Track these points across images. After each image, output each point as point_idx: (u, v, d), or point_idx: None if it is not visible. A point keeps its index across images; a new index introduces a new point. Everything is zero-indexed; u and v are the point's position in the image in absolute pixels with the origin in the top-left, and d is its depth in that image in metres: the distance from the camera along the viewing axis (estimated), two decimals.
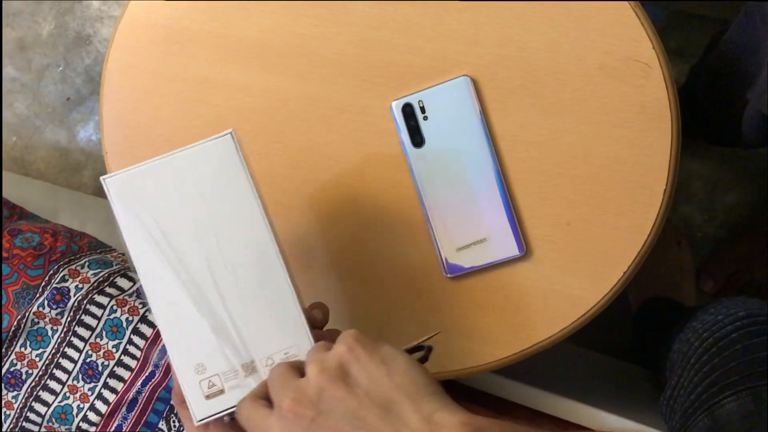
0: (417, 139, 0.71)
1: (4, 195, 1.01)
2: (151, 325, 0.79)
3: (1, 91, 1.54)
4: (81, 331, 0.80)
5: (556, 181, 0.69)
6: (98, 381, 0.80)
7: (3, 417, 0.82)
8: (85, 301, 0.80)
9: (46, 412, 0.81)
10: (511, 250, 0.70)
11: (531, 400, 0.83)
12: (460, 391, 0.85)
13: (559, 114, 0.68)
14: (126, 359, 0.80)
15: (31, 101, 1.53)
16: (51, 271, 0.83)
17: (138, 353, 0.79)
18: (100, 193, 1.46)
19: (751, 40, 0.84)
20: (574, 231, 0.69)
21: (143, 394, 0.78)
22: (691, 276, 1.20)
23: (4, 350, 0.82)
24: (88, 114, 1.51)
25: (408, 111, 0.71)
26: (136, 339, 0.79)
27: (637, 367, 1.16)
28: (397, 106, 0.71)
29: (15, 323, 0.81)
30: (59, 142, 1.52)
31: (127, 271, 0.85)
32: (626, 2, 0.67)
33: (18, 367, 0.82)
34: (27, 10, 1.53)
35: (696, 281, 1.23)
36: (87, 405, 0.80)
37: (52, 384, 0.81)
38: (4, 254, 0.83)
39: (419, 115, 0.70)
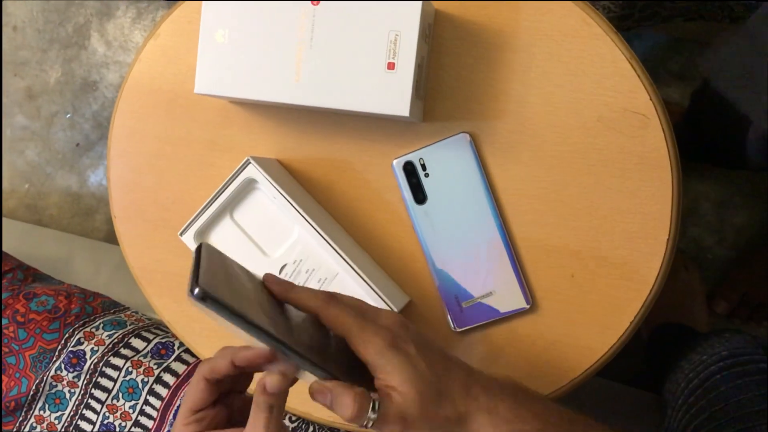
0: (419, 196, 0.71)
1: (20, 246, 1.03)
2: (166, 385, 0.81)
3: (0, 140, 1.57)
4: (98, 393, 0.82)
5: (559, 234, 0.69)
6: None
7: None
8: (101, 364, 0.82)
9: None
10: (518, 303, 0.70)
11: None
12: None
13: (558, 167, 0.69)
14: (143, 419, 0.81)
15: (42, 148, 1.56)
16: (66, 335, 0.84)
17: (154, 413, 0.81)
18: (111, 238, 1.48)
19: (747, 64, 0.84)
20: (579, 282, 0.69)
21: None
22: (701, 299, 1.20)
23: (23, 414, 0.84)
24: (98, 159, 1.53)
25: (409, 169, 0.71)
26: (152, 399, 0.81)
27: (648, 394, 1.16)
28: (398, 164, 0.72)
29: (33, 387, 0.83)
30: (70, 187, 1.54)
31: (140, 330, 0.86)
32: (620, 52, 0.67)
33: (38, 430, 0.83)
34: (34, 59, 1.56)
35: (708, 303, 1.22)
36: None
37: None
38: (20, 318, 0.85)
39: (420, 173, 0.71)
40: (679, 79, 1.24)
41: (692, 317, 1.16)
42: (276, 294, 0.51)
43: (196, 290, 0.43)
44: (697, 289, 1.19)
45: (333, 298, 0.50)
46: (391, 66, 0.64)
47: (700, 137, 1.08)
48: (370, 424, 0.46)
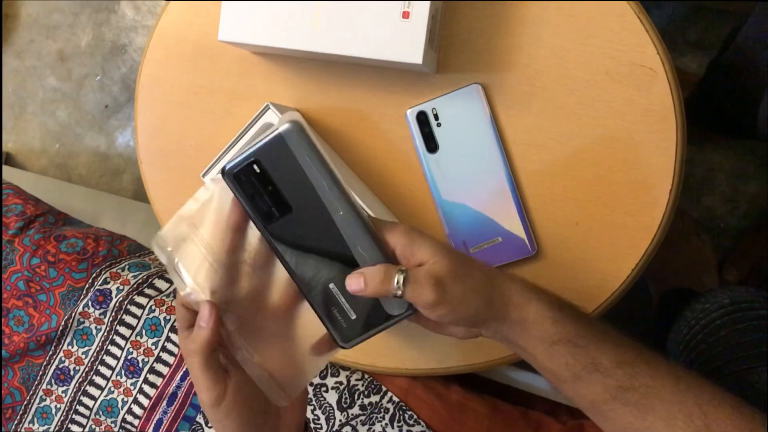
0: (431, 145, 0.74)
1: (51, 201, 1.07)
2: None
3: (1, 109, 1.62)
4: (122, 330, 0.86)
5: (565, 183, 0.72)
6: (139, 376, 0.85)
7: (54, 410, 0.89)
8: (126, 302, 0.86)
9: (94, 405, 0.87)
10: (524, 250, 0.73)
11: (550, 393, 0.86)
12: (480, 384, 0.88)
13: (566, 118, 0.71)
14: (164, 356, 0.85)
15: (72, 109, 1.61)
16: (94, 274, 0.89)
17: (175, 350, 0.85)
18: (138, 196, 1.53)
19: (766, 35, 0.85)
20: (583, 230, 0.72)
21: (182, 389, 0.84)
22: (712, 266, 1.21)
23: (53, 348, 0.88)
24: (126, 120, 1.58)
25: (422, 118, 0.74)
26: (173, 336, 0.85)
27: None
28: (412, 114, 0.74)
29: (62, 323, 0.88)
30: (99, 147, 1.59)
31: (164, 273, 0.90)
32: (629, 6, 0.69)
33: (66, 364, 0.88)
34: (66, 23, 1.60)
35: (719, 271, 1.24)
36: (131, 399, 0.85)
37: (98, 379, 0.87)
38: (51, 258, 0.90)
39: (433, 122, 0.74)
40: (697, 48, 1.24)
41: (703, 284, 1.17)
42: None
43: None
44: (709, 257, 1.20)
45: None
46: (405, 15, 0.66)
47: (715, 106, 1.09)
48: (399, 292, 0.48)
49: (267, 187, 0.49)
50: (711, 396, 0.50)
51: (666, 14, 1.26)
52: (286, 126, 0.48)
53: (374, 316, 0.51)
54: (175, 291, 0.88)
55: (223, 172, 0.49)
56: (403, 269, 0.49)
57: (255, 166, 0.49)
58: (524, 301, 0.51)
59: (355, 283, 0.49)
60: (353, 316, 0.51)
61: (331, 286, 0.51)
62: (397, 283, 0.48)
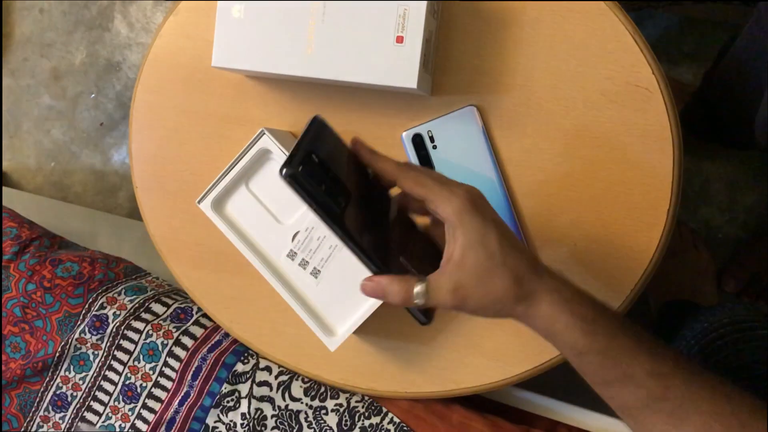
0: (427, 167, 0.74)
1: (47, 222, 1.07)
2: (185, 348, 0.84)
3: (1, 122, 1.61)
4: (120, 355, 0.86)
5: (562, 204, 0.71)
6: (137, 402, 0.85)
7: None
8: (122, 327, 0.86)
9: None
10: None
11: (549, 411, 0.86)
12: (480, 403, 0.88)
13: (562, 139, 0.71)
14: (162, 381, 0.85)
15: (67, 127, 1.61)
16: (90, 299, 0.88)
17: (173, 374, 0.84)
18: (134, 214, 1.52)
19: (761, 45, 0.85)
20: (581, 252, 0.71)
21: (180, 414, 0.83)
22: (710, 278, 1.21)
23: (50, 375, 0.88)
24: (121, 138, 1.57)
25: (418, 141, 0.74)
26: (171, 361, 0.84)
27: None
28: (407, 137, 0.74)
29: (59, 349, 0.87)
30: (95, 165, 1.59)
31: (160, 296, 0.90)
32: (623, 26, 0.69)
33: (64, 390, 0.88)
34: (59, 41, 1.60)
35: (718, 282, 1.23)
36: (128, 425, 0.85)
37: (96, 405, 0.87)
38: (47, 284, 0.89)
39: (429, 145, 0.74)
40: (691, 59, 1.24)
41: (701, 295, 1.17)
42: (362, 158, 0.52)
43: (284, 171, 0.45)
44: (707, 268, 1.20)
45: (410, 164, 0.52)
46: (399, 40, 0.66)
47: (711, 117, 1.09)
48: (421, 301, 0.49)
49: (328, 177, 0.48)
50: (750, 407, 0.49)
51: (661, 25, 1.26)
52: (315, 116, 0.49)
53: None
54: (170, 315, 0.88)
55: (283, 173, 0.46)
56: (423, 280, 0.49)
57: (313, 157, 0.47)
58: (553, 312, 0.50)
59: (371, 291, 0.49)
60: None
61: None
62: (417, 294, 0.49)
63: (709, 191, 1.26)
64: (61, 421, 0.88)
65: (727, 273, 1.24)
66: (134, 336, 0.86)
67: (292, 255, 0.73)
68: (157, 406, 0.85)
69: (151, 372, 0.85)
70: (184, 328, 0.86)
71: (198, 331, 0.86)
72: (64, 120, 1.61)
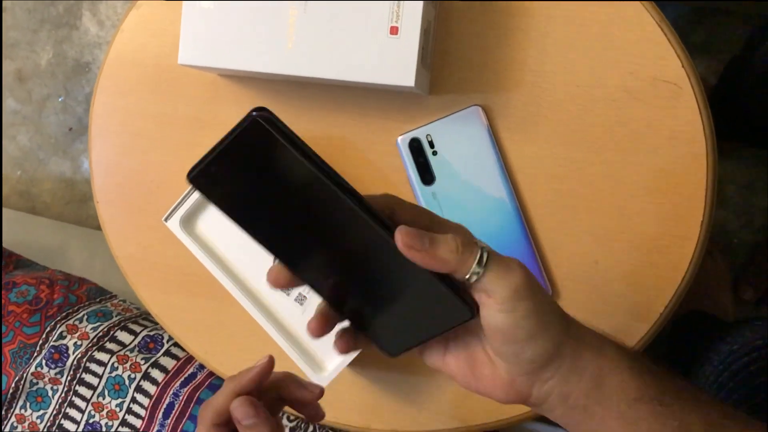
0: (427, 176, 0.65)
1: (13, 235, 0.98)
2: (155, 382, 0.75)
3: (1, 131, 1.51)
4: (82, 390, 0.76)
5: (581, 216, 0.63)
6: None
7: None
8: (84, 359, 0.76)
9: None
10: None
11: None
12: None
13: (580, 143, 0.62)
14: (130, 418, 0.76)
15: (34, 133, 1.50)
16: (48, 328, 0.79)
17: (143, 412, 0.75)
18: None
19: None
20: (604, 269, 0.63)
21: None
22: (727, 286, 1.13)
23: (3, 412, 0.78)
24: None
25: (415, 146, 0.65)
26: (139, 397, 0.75)
27: None
28: (403, 142, 0.65)
29: (13, 385, 0.78)
30: (64, 173, 1.49)
31: (127, 322, 0.81)
32: (647, 13, 0.60)
33: (19, 430, 0.78)
34: (24, 40, 1.50)
35: (734, 291, 1.16)
36: None
37: None
38: None
39: (428, 150, 0.65)
40: (703, 51, 1.16)
41: (718, 305, 1.10)
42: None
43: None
44: (723, 276, 1.13)
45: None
46: (394, 30, 0.57)
47: (732, 113, 1.02)
48: (473, 278, 0.38)
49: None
50: None
51: (669, 16, 1.17)
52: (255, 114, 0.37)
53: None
54: (138, 345, 0.79)
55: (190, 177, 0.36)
56: (483, 245, 0.38)
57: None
58: (599, 342, 0.41)
59: (413, 240, 0.37)
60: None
61: None
62: (478, 259, 0.37)
63: (723, 193, 1.18)
64: None
65: (743, 281, 1.17)
66: (98, 369, 0.76)
67: None
68: None
69: (117, 409, 0.76)
70: (153, 359, 0.76)
71: (169, 363, 0.77)
72: (30, 125, 1.51)
